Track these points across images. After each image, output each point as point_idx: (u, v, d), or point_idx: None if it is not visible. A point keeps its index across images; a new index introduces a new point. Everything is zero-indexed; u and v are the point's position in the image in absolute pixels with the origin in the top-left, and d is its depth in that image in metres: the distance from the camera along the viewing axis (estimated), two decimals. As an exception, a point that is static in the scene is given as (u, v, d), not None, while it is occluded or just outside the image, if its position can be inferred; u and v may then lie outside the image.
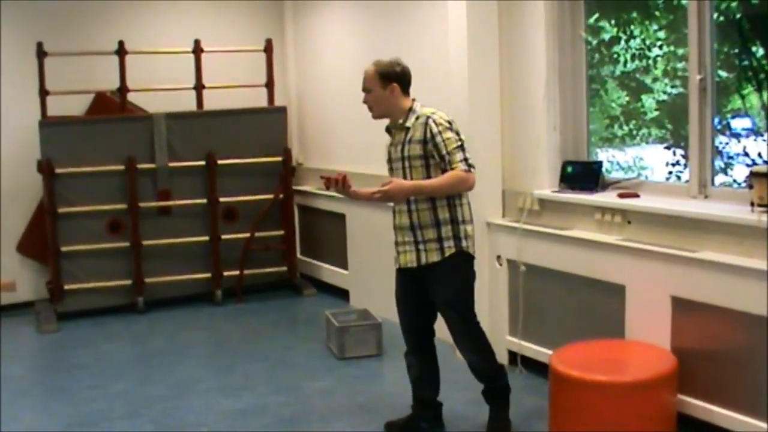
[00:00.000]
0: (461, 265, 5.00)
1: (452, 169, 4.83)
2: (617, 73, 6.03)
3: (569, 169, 5.96)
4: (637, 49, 5.90)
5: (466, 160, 4.85)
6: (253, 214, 8.68)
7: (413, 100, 5.05)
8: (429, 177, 4.90)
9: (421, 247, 4.98)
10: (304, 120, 9.58)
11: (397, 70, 5.02)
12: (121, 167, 8.39)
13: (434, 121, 4.86)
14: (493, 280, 6.41)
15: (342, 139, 8.78)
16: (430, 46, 7.15)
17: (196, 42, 8.71)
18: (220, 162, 8.54)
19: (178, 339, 7.67)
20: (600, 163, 5.87)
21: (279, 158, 8.81)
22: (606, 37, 6.04)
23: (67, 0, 8.91)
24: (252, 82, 8.97)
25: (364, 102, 5.14)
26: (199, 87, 8.73)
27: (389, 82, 4.99)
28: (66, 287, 8.39)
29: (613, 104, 6.17)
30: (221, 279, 8.73)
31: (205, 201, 8.63)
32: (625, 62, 5.96)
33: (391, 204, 5.12)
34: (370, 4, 8.14)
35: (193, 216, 8.68)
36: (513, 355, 6.33)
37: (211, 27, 9.39)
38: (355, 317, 7.18)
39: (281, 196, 8.84)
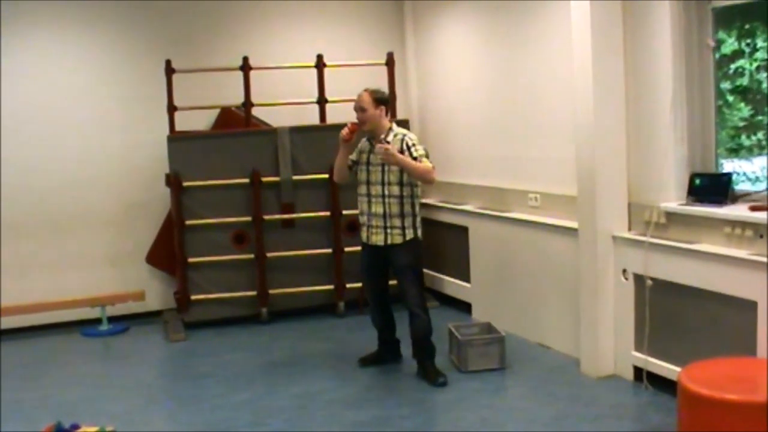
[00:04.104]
0: (415, 246, 6.66)
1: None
2: (740, 86, 5.86)
3: (697, 181, 5.82)
4: (762, 60, 5.74)
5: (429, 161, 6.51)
6: (374, 226, 8.71)
7: (391, 122, 6.70)
8: (401, 178, 6.52)
9: (389, 231, 6.58)
10: (426, 132, 9.59)
11: (386, 97, 6.71)
12: (246, 180, 8.55)
13: (409, 138, 6.55)
14: (619, 294, 6.31)
15: (463, 151, 8.78)
16: (552, 54, 7.11)
17: (319, 57, 8.82)
18: (342, 175, 8.60)
19: (301, 350, 7.76)
20: (730, 175, 5.71)
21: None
22: (727, 51, 5.88)
23: (193, 18, 9.16)
24: (374, 95, 9.05)
25: (358, 118, 6.62)
26: (321, 101, 8.84)
27: (380, 105, 6.59)
28: (192, 297, 8.58)
29: (735, 117, 6.01)
30: (344, 291, 8.80)
31: (328, 213, 8.71)
32: (751, 75, 5.80)
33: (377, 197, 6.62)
34: (491, 13, 8.12)
35: (316, 228, 8.78)
36: (638, 371, 6.21)
37: (333, 42, 9.50)
38: (477, 330, 7.15)
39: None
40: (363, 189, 6.71)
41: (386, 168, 6.54)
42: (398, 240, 6.58)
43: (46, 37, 8.79)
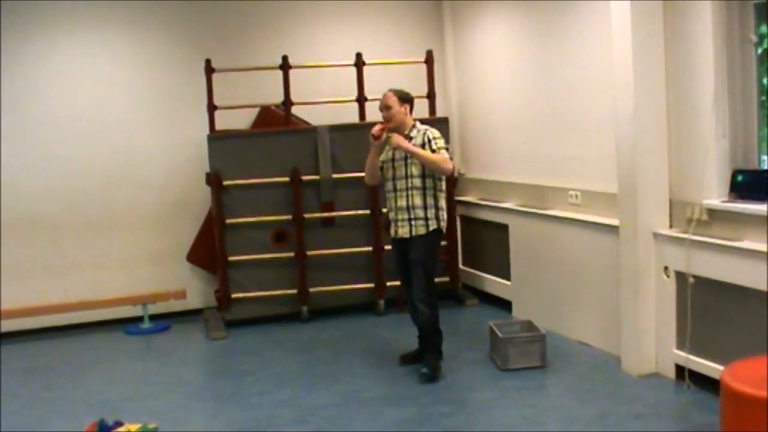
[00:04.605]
0: (436, 238, 6.85)
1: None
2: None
3: (740, 177, 5.76)
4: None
5: (448, 154, 6.77)
6: (414, 224, 8.72)
7: (415, 119, 6.94)
8: (423, 171, 6.72)
9: (413, 222, 6.76)
10: (466, 130, 9.59)
11: (409, 96, 6.95)
12: (286, 179, 8.58)
13: (430, 132, 6.78)
14: (660, 291, 6.27)
15: (503, 149, 8.76)
16: (593, 51, 7.08)
17: (358, 55, 8.83)
18: (382, 173, 8.61)
19: (341, 348, 7.77)
20: (772, 172, 5.67)
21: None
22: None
23: (233, 18, 9.22)
24: (413, 93, 8.98)
25: (384, 117, 6.87)
26: (361, 99, 8.86)
27: (404, 103, 6.87)
28: (233, 296, 8.62)
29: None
30: (384, 289, 8.81)
31: (368, 212, 8.72)
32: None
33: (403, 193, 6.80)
34: (529, 11, 8.10)
35: (356, 226, 8.80)
36: (680, 370, 6.16)
37: (372, 40, 9.52)
38: (518, 328, 7.13)
39: (443, 206, 8.85)
40: (389, 185, 6.91)
41: (408, 162, 6.74)
42: (422, 231, 6.74)
43: (86, 38, 8.89)
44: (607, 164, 6.70)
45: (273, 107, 8.98)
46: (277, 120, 8.95)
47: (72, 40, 8.84)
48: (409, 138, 6.77)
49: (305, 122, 9.02)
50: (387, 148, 6.88)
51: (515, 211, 8.26)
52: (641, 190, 6.22)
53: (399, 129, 6.83)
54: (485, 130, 9.16)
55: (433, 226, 6.75)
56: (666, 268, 6.21)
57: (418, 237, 6.75)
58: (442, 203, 6.85)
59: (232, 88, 8.75)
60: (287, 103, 8.68)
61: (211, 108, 8.52)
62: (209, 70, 8.50)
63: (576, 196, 7.43)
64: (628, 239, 6.38)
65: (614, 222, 6.64)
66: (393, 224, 6.90)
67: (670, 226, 6.26)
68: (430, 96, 9.03)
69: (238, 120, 8.99)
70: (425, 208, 6.74)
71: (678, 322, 6.16)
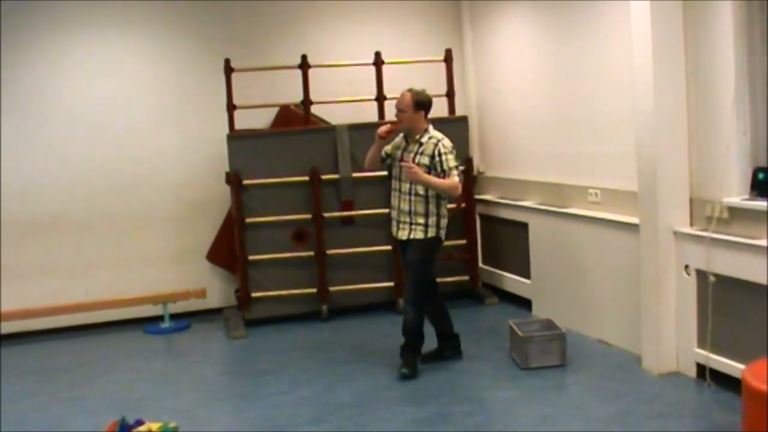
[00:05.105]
0: (432, 244, 6.84)
1: (449, 177, 6.67)
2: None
3: (761, 175, 5.72)
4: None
5: (459, 175, 6.76)
6: (434, 223, 8.71)
7: (429, 122, 6.85)
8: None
9: (413, 227, 6.78)
10: (485, 129, 9.57)
11: (426, 101, 6.83)
12: (306, 178, 8.59)
13: (443, 145, 6.71)
14: (681, 290, 6.24)
15: (523, 147, 8.74)
16: (612, 49, 7.05)
17: (377, 54, 8.83)
18: (401, 172, 8.61)
19: (361, 347, 7.77)
20: (794, 170, 5.63)
21: (461, 167, 8.80)
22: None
23: (252, 18, 9.24)
24: (432, 92, 8.97)
25: (397, 116, 6.82)
26: (380, 98, 8.85)
27: (419, 109, 6.76)
28: (253, 295, 8.64)
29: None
30: (404, 287, 8.76)
31: (387, 210, 8.67)
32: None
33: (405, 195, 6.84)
34: (548, 10, 8.07)
35: (375, 225, 8.77)
36: (701, 368, 6.13)
37: (391, 39, 9.51)
38: (538, 327, 7.11)
39: (463, 205, 8.83)
40: (395, 185, 6.93)
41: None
42: (420, 235, 6.77)
43: (106, 38, 8.93)
44: (627, 162, 6.68)
45: (292, 106, 8.98)
46: (296, 119, 8.96)
47: (91, 40, 8.88)
48: (419, 144, 6.75)
49: (324, 121, 9.03)
50: (395, 143, 6.93)
51: (535, 209, 8.25)
52: (661, 188, 6.20)
53: (410, 132, 6.84)
54: (505, 128, 9.14)
55: (432, 233, 6.79)
56: (686, 266, 6.17)
57: (415, 240, 6.79)
58: (444, 211, 6.86)
59: (251, 87, 8.76)
60: (306, 102, 8.68)
61: (231, 107, 8.54)
62: (228, 69, 8.52)
63: (596, 194, 7.41)
64: (649, 237, 6.36)
65: (634, 220, 6.61)
66: (394, 223, 6.96)
67: (691, 225, 6.22)
68: (450, 95, 9.02)
69: (257, 119, 9.01)
70: (427, 215, 6.76)
71: (699, 321, 6.13)
